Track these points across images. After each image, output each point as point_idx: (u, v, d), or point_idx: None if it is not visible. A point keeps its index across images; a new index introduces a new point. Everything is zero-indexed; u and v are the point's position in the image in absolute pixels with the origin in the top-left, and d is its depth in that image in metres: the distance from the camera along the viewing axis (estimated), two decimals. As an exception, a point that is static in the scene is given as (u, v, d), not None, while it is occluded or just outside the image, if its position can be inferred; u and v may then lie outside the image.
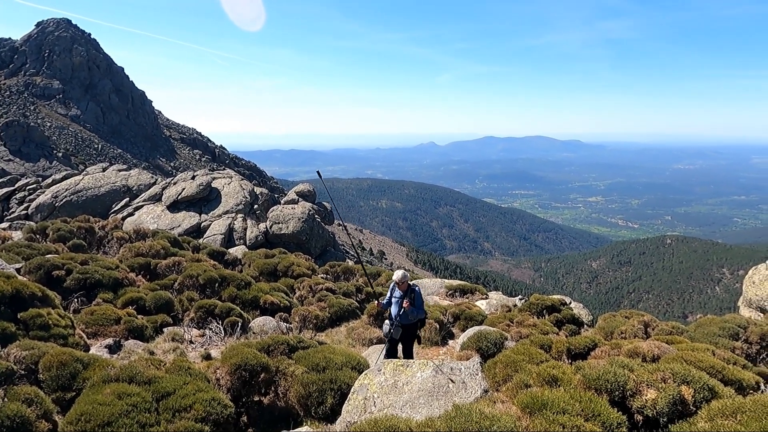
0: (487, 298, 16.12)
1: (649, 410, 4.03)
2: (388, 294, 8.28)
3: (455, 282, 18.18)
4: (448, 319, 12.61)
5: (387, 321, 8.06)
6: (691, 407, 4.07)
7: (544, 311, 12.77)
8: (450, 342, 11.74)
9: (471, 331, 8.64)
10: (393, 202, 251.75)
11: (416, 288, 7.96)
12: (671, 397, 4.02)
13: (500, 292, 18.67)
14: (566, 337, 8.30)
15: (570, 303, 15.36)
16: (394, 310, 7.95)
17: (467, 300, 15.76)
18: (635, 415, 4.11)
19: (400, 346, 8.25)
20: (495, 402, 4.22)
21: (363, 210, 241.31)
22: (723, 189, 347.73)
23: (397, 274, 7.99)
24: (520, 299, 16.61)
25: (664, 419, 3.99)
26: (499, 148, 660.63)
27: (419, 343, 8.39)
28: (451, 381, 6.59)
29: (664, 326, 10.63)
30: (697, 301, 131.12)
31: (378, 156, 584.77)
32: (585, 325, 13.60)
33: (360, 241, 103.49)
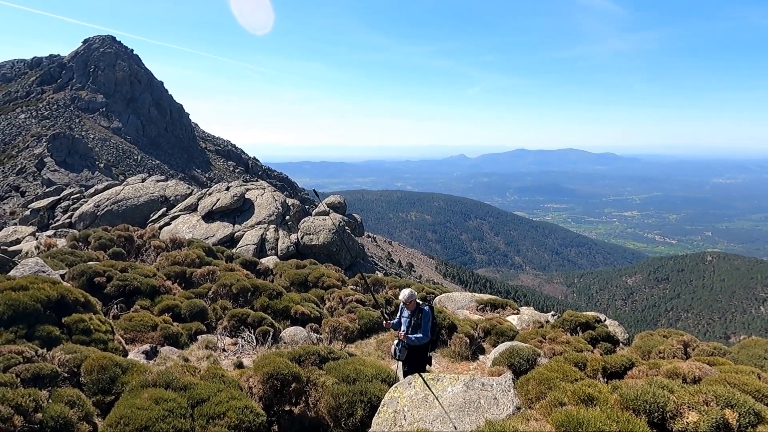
0: (518, 314, 15.87)
1: (690, 433, 3.90)
2: (399, 313, 7.80)
3: (486, 296, 17.98)
4: (478, 334, 12.47)
5: (395, 341, 7.56)
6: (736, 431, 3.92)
7: (578, 328, 12.48)
8: (480, 357, 11.59)
9: (503, 346, 8.51)
10: (422, 215, 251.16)
11: (425, 308, 7.46)
12: (714, 420, 3.87)
13: (532, 308, 18.36)
14: (601, 355, 8.08)
15: (605, 320, 14.98)
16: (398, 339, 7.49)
17: (498, 315, 15.55)
18: (676, 438, 3.98)
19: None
20: (528, 419, 4.16)
21: (392, 222, 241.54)
22: (767, 204, 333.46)
23: (404, 294, 7.50)
24: (553, 315, 16.28)
25: (707, 443, 3.85)
26: (530, 161, 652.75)
27: (429, 364, 7.87)
28: (483, 397, 6.52)
29: (705, 347, 10.25)
30: (740, 322, 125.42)
31: (407, 168, 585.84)
32: (621, 344, 13.22)
33: (389, 253, 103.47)
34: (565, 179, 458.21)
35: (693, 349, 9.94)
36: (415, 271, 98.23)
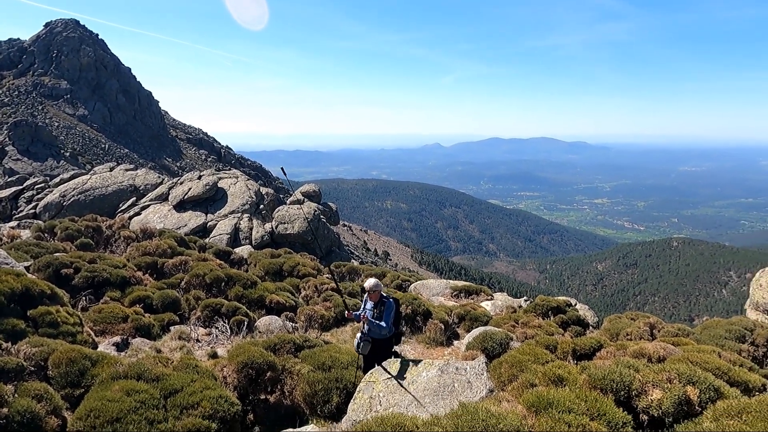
0: (492, 299, 16.12)
1: (654, 410, 4.04)
2: (363, 304, 7.45)
3: (460, 283, 18.20)
4: (453, 320, 12.63)
5: (358, 334, 7.28)
6: (697, 407, 4.08)
7: (550, 312, 12.77)
8: (455, 342, 11.76)
9: (476, 331, 8.65)
10: (398, 203, 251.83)
11: (389, 300, 7.20)
12: (677, 397, 4.03)
13: (505, 294, 18.68)
14: (571, 338, 8.30)
15: (575, 305, 15.35)
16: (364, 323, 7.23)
17: (472, 301, 15.77)
18: (641, 415, 4.12)
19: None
20: (501, 401, 4.25)
21: (368, 211, 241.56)
22: (730, 191, 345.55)
23: (369, 283, 7.17)
24: (526, 300, 16.61)
25: (670, 419, 4.00)
26: (504, 149, 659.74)
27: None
28: (457, 381, 6.62)
29: (670, 328, 10.61)
30: (703, 304, 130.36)
31: (383, 157, 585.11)
32: (591, 327, 13.59)
33: (365, 241, 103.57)
34: (538, 167, 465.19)
35: (659, 331, 10.28)
36: (390, 260, 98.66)
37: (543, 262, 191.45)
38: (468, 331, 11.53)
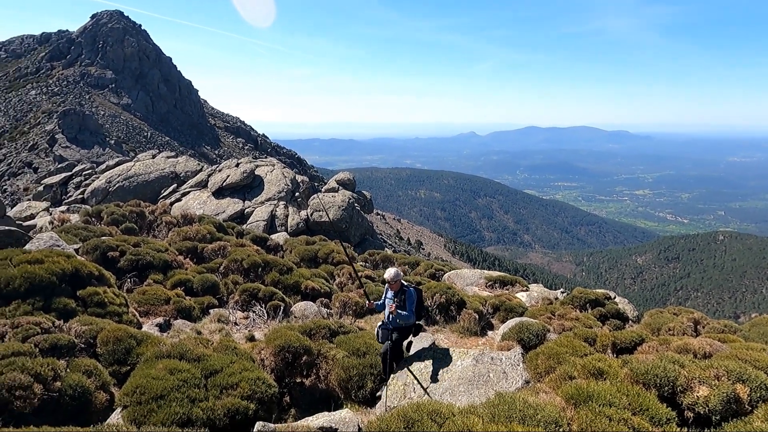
0: (527, 290, 15.88)
1: (700, 407, 3.90)
2: (384, 294, 7.45)
3: (495, 273, 18.00)
4: (487, 310, 12.51)
5: (379, 324, 7.27)
6: (747, 406, 3.91)
7: (588, 305, 12.47)
8: (489, 333, 11.65)
9: (512, 322, 8.55)
10: (431, 192, 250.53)
11: (410, 289, 7.16)
12: (725, 394, 3.87)
13: (541, 285, 18.38)
14: (610, 332, 8.10)
15: (615, 298, 14.95)
16: (386, 313, 7.19)
17: (507, 292, 15.57)
18: (685, 412, 3.99)
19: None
20: (538, 392, 4.19)
21: (401, 200, 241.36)
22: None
23: (389, 273, 7.13)
24: (562, 292, 16.29)
25: (717, 417, 3.85)
26: (541, 139, 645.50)
27: (408, 351, 7.48)
28: (492, 371, 6.58)
29: (715, 324, 10.21)
30: (750, 301, 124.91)
31: (417, 145, 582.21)
32: (630, 321, 13.22)
33: (398, 230, 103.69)
34: (577, 157, 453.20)
35: (703, 327, 9.91)
36: (423, 249, 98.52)
37: (580, 254, 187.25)
38: (503, 321, 11.41)
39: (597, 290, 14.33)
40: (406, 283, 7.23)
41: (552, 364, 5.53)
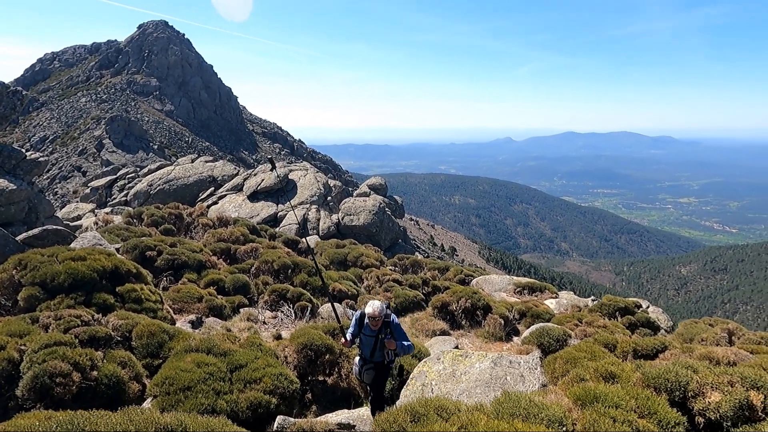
0: (557, 298, 15.67)
1: (711, 413, 3.86)
2: (351, 325, 6.30)
3: (524, 279, 17.83)
4: (513, 316, 12.45)
5: (356, 359, 6.29)
6: (760, 413, 3.84)
7: (617, 313, 12.24)
8: (515, 338, 11.60)
9: (534, 327, 8.52)
10: (466, 198, 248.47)
11: (393, 319, 6.02)
12: (737, 401, 3.82)
13: (572, 293, 18.06)
14: (631, 338, 7.98)
15: (647, 307, 14.58)
16: (365, 350, 6.14)
17: (536, 298, 15.42)
18: (696, 417, 3.95)
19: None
20: (548, 393, 4.24)
21: (435, 205, 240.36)
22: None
23: (374, 306, 5.87)
24: (593, 300, 15.99)
25: (728, 423, 3.80)
26: (580, 144, 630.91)
27: (393, 380, 6.69)
28: (510, 374, 6.60)
29: (752, 336, 9.87)
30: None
31: (452, 151, 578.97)
32: (663, 331, 12.88)
33: (431, 236, 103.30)
34: (618, 163, 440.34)
35: (738, 338, 9.60)
36: (457, 255, 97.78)
37: (620, 263, 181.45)
38: (528, 327, 11.33)
39: (627, 299, 14.03)
40: (386, 312, 6.00)
41: (568, 368, 5.54)
